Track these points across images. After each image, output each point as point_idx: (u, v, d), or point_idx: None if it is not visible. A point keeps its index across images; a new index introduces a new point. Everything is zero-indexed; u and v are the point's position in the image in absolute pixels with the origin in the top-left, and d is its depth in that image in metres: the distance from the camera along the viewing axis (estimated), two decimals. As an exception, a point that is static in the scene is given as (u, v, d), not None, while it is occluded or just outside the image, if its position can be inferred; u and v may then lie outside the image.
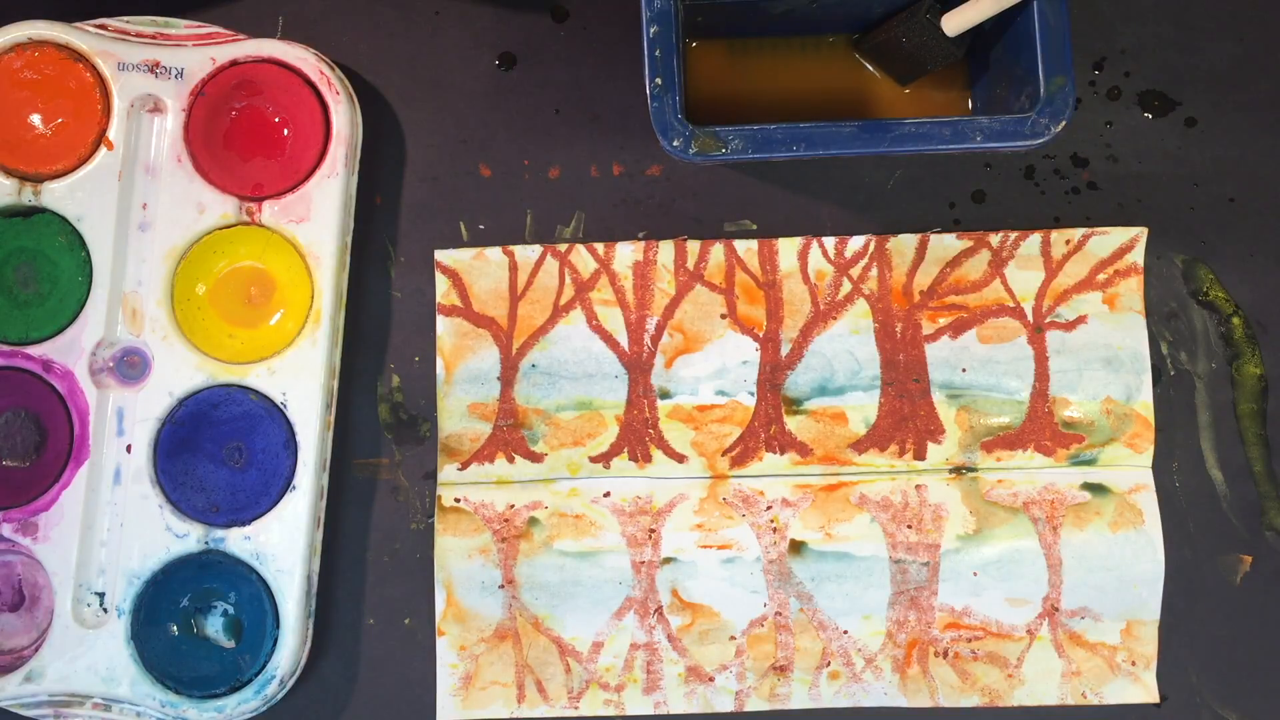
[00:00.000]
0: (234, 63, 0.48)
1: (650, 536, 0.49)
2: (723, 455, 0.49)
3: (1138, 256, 0.49)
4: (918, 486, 0.49)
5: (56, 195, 0.48)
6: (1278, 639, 0.49)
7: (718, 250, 0.50)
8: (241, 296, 0.49)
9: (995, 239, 0.50)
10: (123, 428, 0.48)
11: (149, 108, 0.49)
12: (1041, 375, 0.49)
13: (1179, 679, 0.49)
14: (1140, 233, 0.50)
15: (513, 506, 0.49)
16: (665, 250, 0.50)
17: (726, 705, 0.49)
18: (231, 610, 0.48)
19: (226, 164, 0.49)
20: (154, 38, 0.49)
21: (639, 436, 0.49)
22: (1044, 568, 0.49)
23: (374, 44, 0.51)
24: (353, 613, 0.49)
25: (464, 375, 0.50)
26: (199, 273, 0.48)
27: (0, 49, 0.48)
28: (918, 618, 0.49)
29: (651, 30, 0.42)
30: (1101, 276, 0.49)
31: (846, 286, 0.50)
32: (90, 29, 0.48)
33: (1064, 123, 0.42)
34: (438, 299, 0.50)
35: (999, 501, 0.49)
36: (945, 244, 0.50)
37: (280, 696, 0.47)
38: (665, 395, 0.49)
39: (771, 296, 0.50)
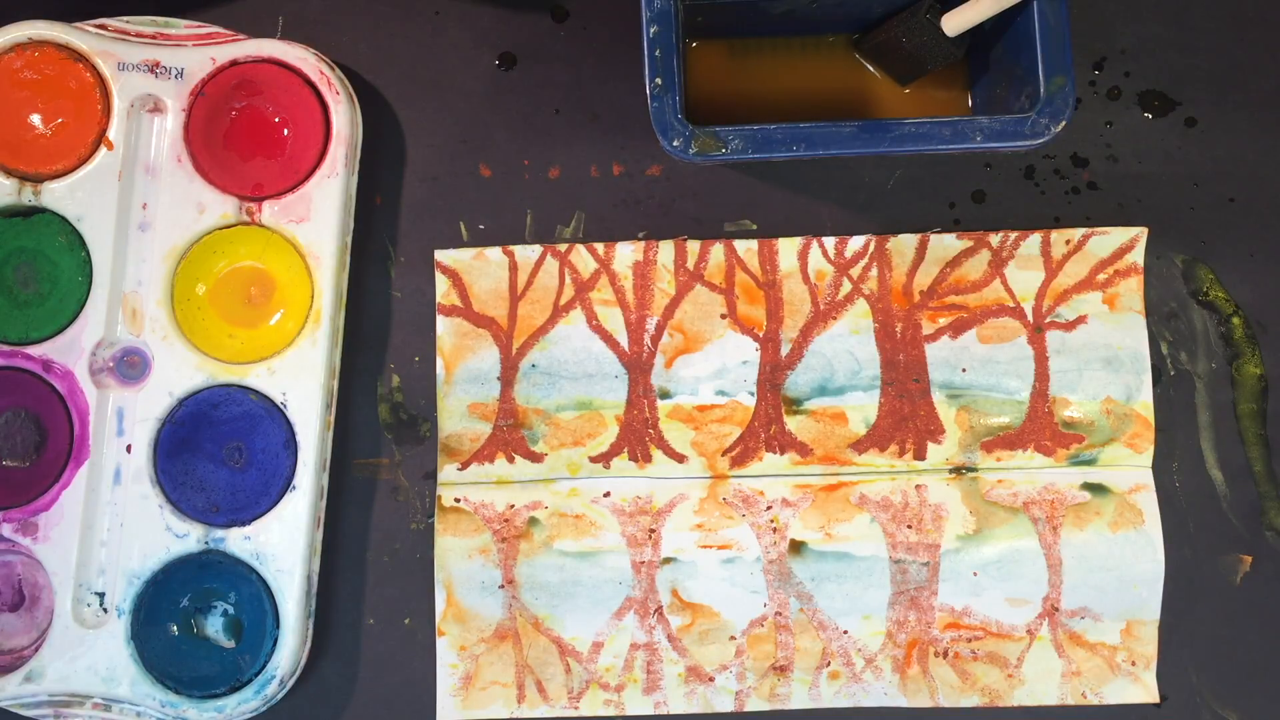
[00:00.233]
0: (234, 63, 0.48)
1: (650, 536, 0.49)
2: (723, 455, 0.49)
3: (1138, 256, 0.49)
4: (918, 486, 0.49)
5: (56, 195, 0.48)
6: (1278, 639, 0.49)
7: (718, 250, 0.50)
8: (241, 296, 0.49)
9: (995, 239, 0.50)
10: (123, 428, 0.48)
11: (149, 108, 0.49)
12: (1041, 375, 0.49)
13: (1179, 679, 0.49)
14: (1140, 233, 0.50)
15: (513, 506, 0.49)
16: (665, 250, 0.50)
17: (726, 705, 0.49)
18: (231, 610, 0.48)
19: (226, 164, 0.49)
20: (154, 38, 0.49)
21: (639, 436, 0.49)
22: (1044, 568, 0.49)
23: (374, 44, 0.51)
24: (353, 613, 0.49)
25: (464, 375, 0.50)
26: (199, 273, 0.48)
27: (0, 49, 0.48)
28: (918, 618, 0.49)
29: (651, 30, 0.42)
30: (1101, 276, 0.49)
31: (846, 286, 0.50)
32: (90, 29, 0.48)
33: (1064, 123, 0.42)
34: (438, 299, 0.50)
35: (999, 501, 0.49)
36: (945, 244, 0.50)
37: (280, 696, 0.47)
38: (665, 395, 0.49)
39: (771, 296, 0.50)
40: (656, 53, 0.42)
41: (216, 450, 0.48)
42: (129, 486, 0.47)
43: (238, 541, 0.47)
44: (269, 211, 0.48)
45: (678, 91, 0.42)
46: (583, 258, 0.50)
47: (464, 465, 0.49)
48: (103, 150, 0.48)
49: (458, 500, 0.49)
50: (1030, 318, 0.49)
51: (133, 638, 0.47)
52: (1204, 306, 0.50)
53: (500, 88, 0.51)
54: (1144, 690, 0.48)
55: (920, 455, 0.49)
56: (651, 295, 0.50)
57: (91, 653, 0.47)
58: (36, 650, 0.47)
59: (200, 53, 0.48)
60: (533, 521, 0.49)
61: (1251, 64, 0.50)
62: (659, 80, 0.42)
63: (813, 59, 0.50)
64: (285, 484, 0.47)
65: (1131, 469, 0.49)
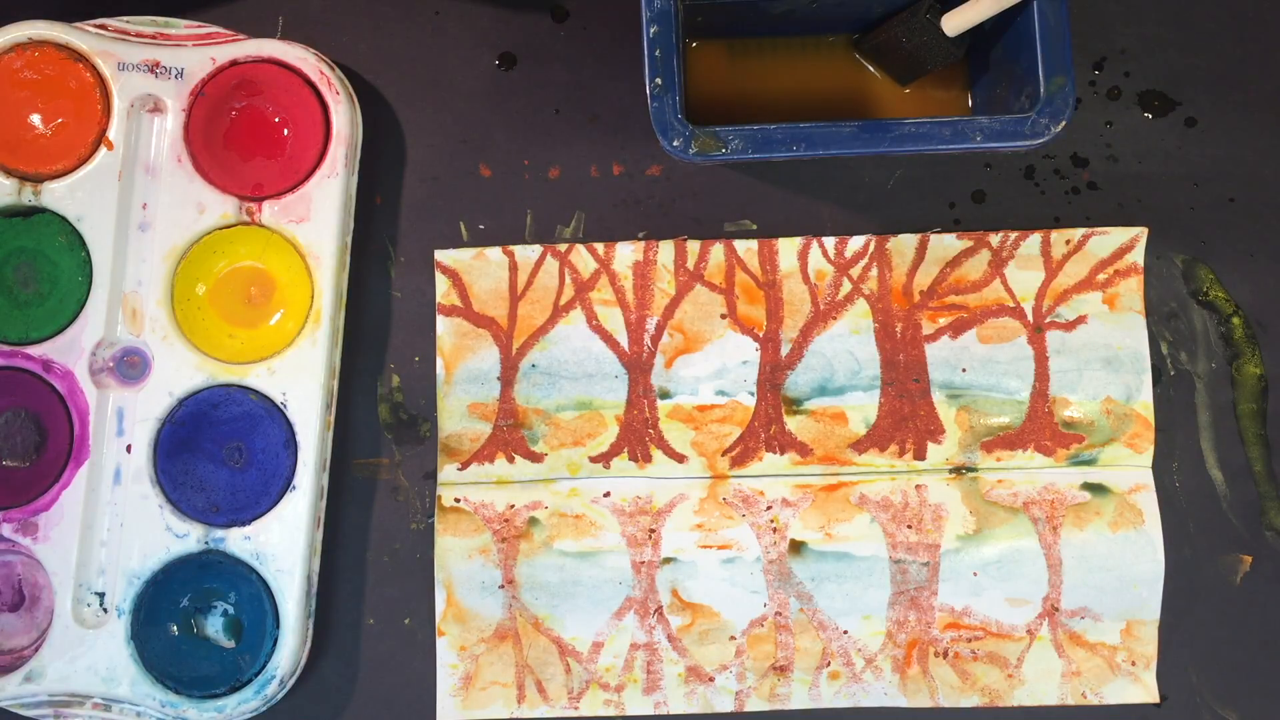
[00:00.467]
0: (234, 63, 0.48)
1: (650, 536, 0.49)
2: (723, 455, 0.49)
3: (1138, 256, 0.49)
4: (918, 486, 0.49)
5: (56, 195, 0.48)
6: (1278, 639, 0.49)
7: (718, 250, 0.50)
8: (241, 296, 0.49)
9: (995, 239, 0.50)
10: (123, 428, 0.48)
11: (149, 108, 0.49)
12: (1041, 375, 0.49)
13: (1179, 679, 0.49)
14: (1140, 233, 0.50)
15: (513, 506, 0.49)
16: (665, 250, 0.50)
17: (726, 705, 0.49)
18: (231, 610, 0.48)
19: (226, 164, 0.49)
20: (154, 38, 0.49)
21: (639, 436, 0.49)
22: (1044, 568, 0.49)
23: (374, 44, 0.51)
24: (353, 613, 0.49)
25: (464, 375, 0.50)
26: (199, 273, 0.48)
27: (0, 49, 0.48)
28: (918, 618, 0.49)
29: (651, 30, 0.42)
30: (1101, 276, 0.49)
31: (846, 286, 0.50)
32: (90, 29, 0.48)
33: (1064, 123, 0.42)
34: (438, 299, 0.50)
35: (999, 501, 0.49)
36: (945, 244, 0.50)
37: (280, 696, 0.47)
38: (665, 395, 0.49)
39: (771, 296, 0.50)
40: (656, 53, 0.42)
41: (216, 450, 0.48)
42: (129, 486, 0.47)
43: (238, 541, 0.47)
44: (269, 211, 0.48)
45: (678, 91, 0.42)
46: (583, 258, 0.50)
47: (464, 465, 0.49)
48: (103, 150, 0.48)
49: (458, 500, 0.49)
50: (1030, 318, 0.49)
51: (133, 638, 0.47)
52: (1204, 306, 0.50)
53: (500, 88, 0.51)
54: (1144, 690, 0.48)
55: (920, 455, 0.49)
56: (651, 295, 0.50)
57: (91, 653, 0.47)
58: (36, 650, 0.47)
59: (200, 53, 0.48)
60: (533, 521, 0.49)
61: (1251, 64, 0.50)
62: (659, 80, 0.42)
63: (813, 59, 0.50)
64: (285, 484, 0.47)
65: (1131, 469, 0.49)
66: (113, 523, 0.47)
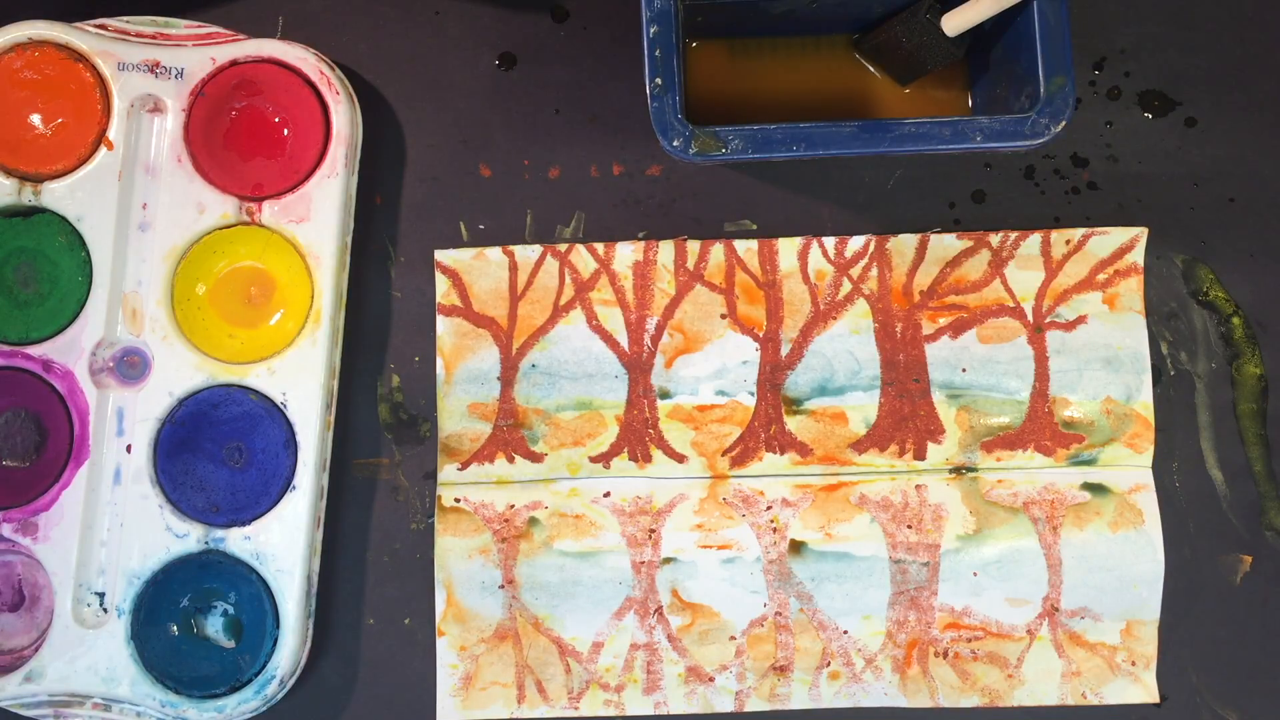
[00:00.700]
0: (234, 63, 0.48)
1: (650, 536, 0.49)
2: (723, 455, 0.49)
3: (1138, 256, 0.49)
4: (918, 486, 0.49)
5: (56, 195, 0.48)
6: (1278, 639, 0.49)
7: (718, 250, 0.50)
8: (241, 296, 0.49)
9: (995, 239, 0.50)
10: (123, 428, 0.48)
11: (149, 108, 0.49)
12: (1041, 375, 0.49)
13: (1179, 679, 0.49)
14: (1140, 233, 0.50)
15: (513, 506, 0.49)
16: (665, 250, 0.50)
17: (726, 705, 0.49)
18: (231, 610, 0.48)
19: (226, 164, 0.49)
20: (154, 38, 0.49)
21: (639, 436, 0.49)
22: (1044, 568, 0.49)
23: (374, 44, 0.51)
24: (353, 613, 0.49)
25: (464, 375, 0.50)
26: (199, 273, 0.48)
27: (0, 49, 0.48)
28: (918, 618, 0.49)
29: (651, 30, 0.42)
30: (1101, 276, 0.49)
31: (846, 286, 0.50)
32: (90, 29, 0.48)
33: (1064, 123, 0.42)
34: (438, 299, 0.50)
35: (999, 501, 0.49)
36: (945, 244, 0.50)
37: (280, 696, 0.47)
38: (665, 395, 0.49)
39: (771, 296, 0.50)
40: (656, 53, 0.42)
41: (216, 450, 0.48)
42: (129, 486, 0.47)
43: (238, 541, 0.47)
44: (269, 211, 0.48)
45: (678, 91, 0.42)
46: (583, 258, 0.50)
47: (464, 465, 0.50)
48: (103, 150, 0.48)
49: (458, 500, 0.49)
50: (1030, 318, 0.49)
51: (133, 638, 0.47)
52: (1204, 306, 0.50)
53: (500, 88, 0.51)
54: (1144, 690, 0.48)
55: (920, 455, 0.49)
56: (651, 295, 0.50)
57: (91, 653, 0.47)
58: (36, 650, 0.47)
59: (200, 53, 0.48)
60: (533, 521, 0.49)
61: (1251, 64, 0.50)
62: (659, 80, 0.42)
63: (813, 59, 0.50)
64: (285, 484, 0.47)
65: (1131, 469, 0.49)
66: (113, 523, 0.47)
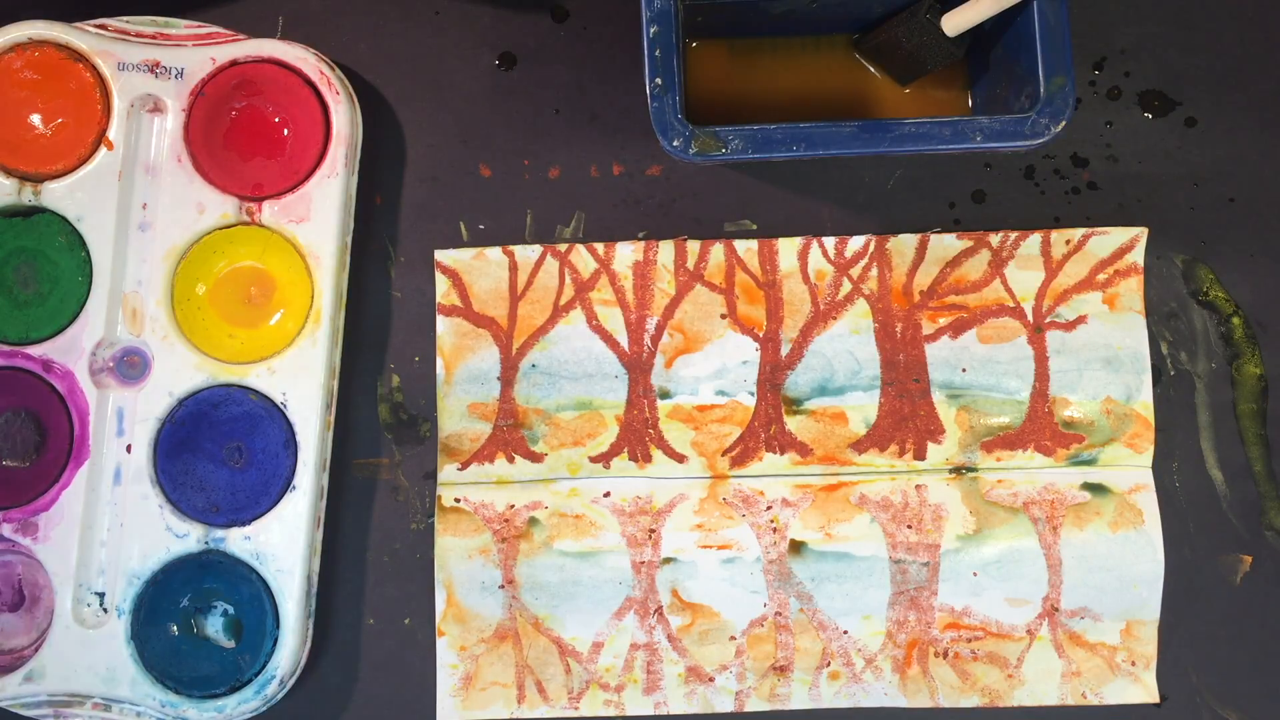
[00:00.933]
0: (234, 63, 0.48)
1: (650, 536, 0.49)
2: (723, 455, 0.49)
3: (1138, 256, 0.49)
4: (918, 486, 0.49)
5: (56, 195, 0.48)
6: (1278, 639, 0.49)
7: (718, 250, 0.50)
8: (241, 296, 0.49)
9: (995, 239, 0.50)
10: (123, 428, 0.48)
11: (149, 108, 0.49)
12: (1041, 375, 0.49)
13: (1179, 679, 0.49)
14: (1140, 233, 0.50)
15: (513, 506, 0.49)
16: (665, 250, 0.50)
17: (726, 705, 0.49)
18: (231, 610, 0.48)
19: (226, 164, 0.49)
20: (154, 38, 0.49)
21: (639, 436, 0.49)
22: (1044, 568, 0.49)
23: (374, 44, 0.51)
24: (353, 613, 0.49)
25: (464, 375, 0.50)
26: (199, 273, 0.48)
27: (0, 49, 0.48)
28: (918, 618, 0.49)
29: (651, 30, 0.42)
30: (1101, 276, 0.49)
31: (846, 286, 0.50)
32: (90, 29, 0.48)
33: (1064, 123, 0.42)
34: (438, 299, 0.50)
35: (999, 501, 0.49)
36: (945, 244, 0.50)
37: (280, 696, 0.47)
38: (665, 395, 0.49)
39: (771, 296, 0.50)
40: (656, 53, 0.42)
41: (216, 450, 0.48)
42: (129, 486, 0.47)
43: (238, 541, 0.47)
44: (269, 211, 0.48)
45: (678, 91, 0.42)
46: (583, 258, 0.50)
47: (464, 465, 0.50)
48: (103, 150, 0.48)
49: (458, 500, 0.49)
50: (1030, 318, 0.49)
51: (133, 638, 0.47)
52: (1204, 306, 0.50)
53: (500, 88, 0.51)
54: (1144, 690, 0.48)
55: (920, 455, 0.49)
56: (651, 295, 0.50)
57: (91, 653, 0.47)
58: (36, 650, 0.47)
59: (200, 53, 0.48)
60: (533, 521, 0.49)
61: (1251, 64, 0.50)
62: (659, 80, 0.42)
63: (813, 59, 0.50)
64: (285, 484, 0.47)
65: (1131, 469, 0.49)
66: (113, 523, 0.47)
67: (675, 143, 0.42)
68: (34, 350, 0.48)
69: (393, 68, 0.51)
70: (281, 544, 0.47)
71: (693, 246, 0.50)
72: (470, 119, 0.51)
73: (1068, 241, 0.50)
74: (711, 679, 0.49)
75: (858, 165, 0.50)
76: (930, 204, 0.50)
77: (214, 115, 0.48)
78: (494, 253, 0.50)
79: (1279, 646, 0.49)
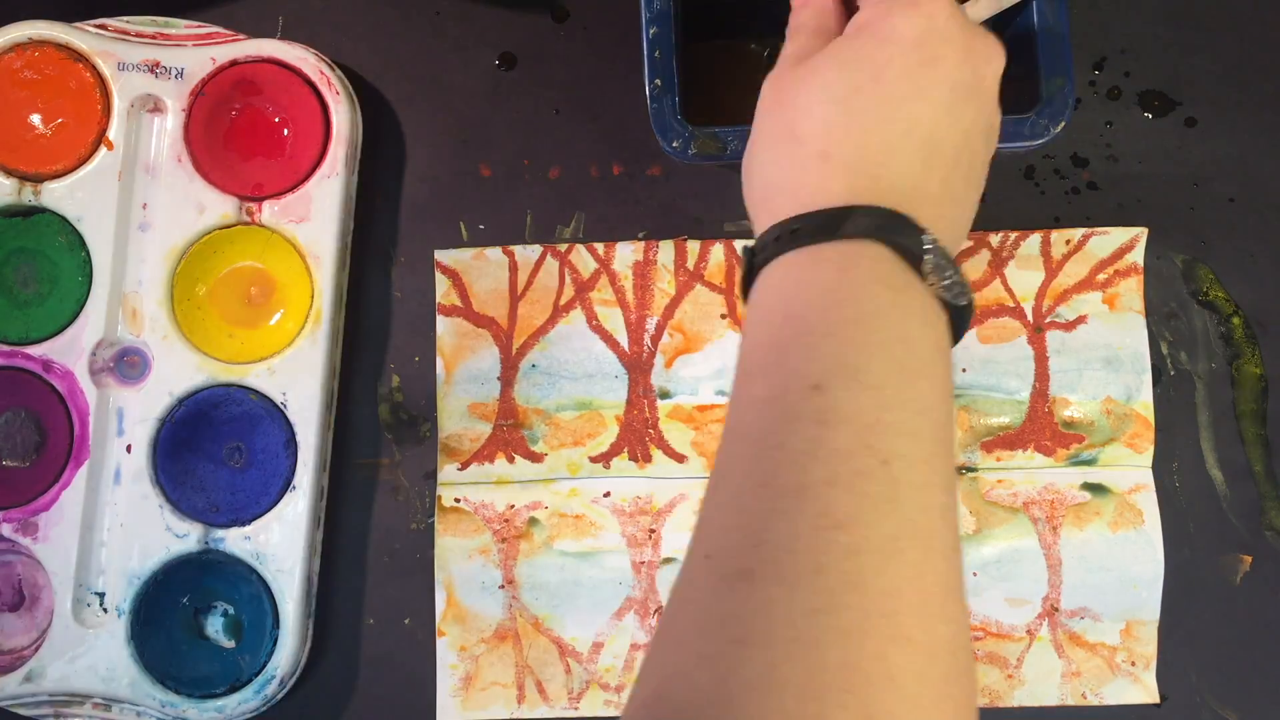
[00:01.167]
0: (234, 63, 0.48)
1: (650, 537, 0.49)
2: (723, 455, 0.49)
3: (1138, 256, 0.49)
4: (918, 486, 0.49)
5: (56, 195, 0.48)
6: (1278, 639, 0.49)
7: (718, 250, 0.50)
8: (241, 296, 0.49)
9: (995, 239, 0.50)
10: (123, 428, 0.48)
11: (149, 108, 0.49)
12: (1041, 375, 0.49)
13: (1179, 679, 0.49)
14: (1140, 233, 0.50)
15: (513, 506, 0.49)
16: (665, 250, 0.50)
17: (726, 705, 0.49)
18: (231, 610, 0.48)
19: (226, 164, 0.49)
20: (154, 38, 0.49)
21: (639, 436, 0.49)
22: (1044, 568, 0.49)
23: (374, 44, 0.51)
24: (353, 613, 0.49)
25: (464, 375, 0.50)
26: (199, 273, 0.48)
27: (0, 49, 0.48)
28: (918, 618, 0.49)
29: (651, 30, 0.42)
30: (1101, 276, 0.49)
31: (846, 286, 0.50)
32: (90, 29, 0.48)
33: (1064, 123, 0.42)
34: (438, 299, 0.50)
35: (999, 501, 0.49)
36: (945, 244, 0.50)
37: (280, 696, 0.47)
38: (665, 395, 0.49)
39: (771, 296, 0.50)
40: (656, 53, 0.42)
41: (216, 450, 0.48)
42: (129, 486, 0.47)
43: (238, 541, 0.47)
44: (269, 211, 0.48)
45: (677, 92, 0.42)
46: (583, 258, 0.50)
47: (464, 465, 0.49)
48: (103, 150, 0.48)
49: (458, 500, 0.49)
50: (1030, 318, 0.49)
51: (133, 638, 0.47)
52: (1204, 306, 0.50)
53: (500, 88, 0.51)
54: (1144, 691, 0.48)
55: (920, 455, 0.49)
56: (651, 295, 0.50)
57: (91, 653, 0.47)
58: (36, 650, 0.47)
59: (200, 53, 0.48)
60: (533, 521, 0.49)
61: (1251, 64, 0.50)
62: (659, 80, 0.42)
63: (813, 59, 0.50)
64: (285, 484, 0.47)
65: (1131, 469, 0.49)
66: (113, 523, 0.47)
67: (675, 143, 0.42)
68: (34, 350, 0.48)
69: (393, 68, 0.51)
70: (281, 544, 0.47)
71: (693, 246, 0.50)
72: (470, 119, 0.51)
73: (1068, 241, 0.49)
74: (711, 679, 0.49)
75: (858, 165, 0.50)
76: (930, 204, 0.50)
77: (214, 115, 0.48)
78: (494, 253, 0.50)
79: (1279, 646, 0.49)
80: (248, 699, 0.47)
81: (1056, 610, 0.48)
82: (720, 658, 0.27)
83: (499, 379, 0.50)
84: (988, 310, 0.49)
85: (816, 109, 0.35)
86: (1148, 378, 0.49)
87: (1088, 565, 0.48)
